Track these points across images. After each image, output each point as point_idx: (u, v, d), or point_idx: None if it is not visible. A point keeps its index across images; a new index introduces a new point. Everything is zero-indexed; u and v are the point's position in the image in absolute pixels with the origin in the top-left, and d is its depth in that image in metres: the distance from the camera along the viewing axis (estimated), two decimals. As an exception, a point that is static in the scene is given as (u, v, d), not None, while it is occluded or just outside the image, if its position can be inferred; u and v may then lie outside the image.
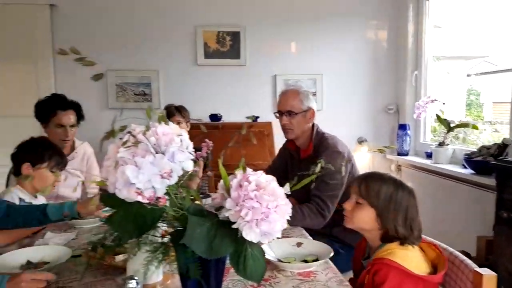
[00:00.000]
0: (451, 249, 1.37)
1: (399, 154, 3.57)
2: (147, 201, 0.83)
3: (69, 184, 2.45)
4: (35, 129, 2.60)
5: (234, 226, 0.89)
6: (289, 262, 1.44)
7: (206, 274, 0.96)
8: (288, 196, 0.98)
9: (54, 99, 2.54)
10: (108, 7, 3.51)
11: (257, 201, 0.88)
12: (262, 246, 0.98)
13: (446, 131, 2.98)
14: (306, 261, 1.46)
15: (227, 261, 0.95)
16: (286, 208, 0.93)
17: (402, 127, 3.59)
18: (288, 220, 0.94)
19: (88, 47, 2.98)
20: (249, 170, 0.94)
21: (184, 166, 0.89)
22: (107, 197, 0.90)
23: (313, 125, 2.13)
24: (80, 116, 2.56)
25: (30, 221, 1.62)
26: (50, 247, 1.58)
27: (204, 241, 0.88)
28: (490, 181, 2.30)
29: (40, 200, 2.03)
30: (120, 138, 0.88)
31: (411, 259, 1.28)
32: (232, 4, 3.62)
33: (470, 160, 2.56)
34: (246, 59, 3.65)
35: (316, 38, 3.71)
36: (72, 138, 2.56)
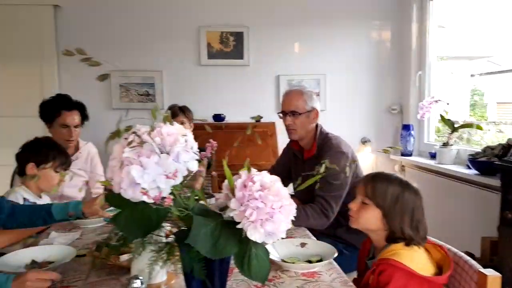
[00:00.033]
0: (455, 250, 1.37)
1: (402, 155, 3.56)
2: (153, 201, 0.83)
3: (73, 184, 2.46)
4: (39, 129, 2.61)
5: (238, 226, 0.89)
6: (293, 263, 1.44)
7: (210, 274, 0.96)
8: (291, 196, 0.98)
9: (59, 99, 2.55)
10: (112, 7, 3.52)
11: (262, 201, 0.88)
12: (266, 246, 0.98)
13: (450, 132, 2.97)
14: (310, 262, 1.46)
15: (231, 261, 0.95)
16: (290, 209, 0.93)
17: (406, 127, 3.58)
18: (291, 221, 0.94)
19: (92, 47, 2.97)
20: (253, 170, 0.94)
21: (189, 166, 0.89)
22: (112, 197, 0.90)
23: (316, 125, 2.12)
24: (84, 117, 2.57)
25: (35, 220, 1.63)
26: (55, 247, 1.58)
27: (208, 241, 0.88)
28: (495, 181, 2.30)
29: (45, 200, 2.04)
30: (125, 138, 0.88)
31: (417, 260, 1.28)
32: (236, 4, 3.62)
33: (474, 160, 2.55)
34: (250, 60, 3.65)
35: (320, 38, 3.70)
36: (77, 139, 2.57)
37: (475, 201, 2.61)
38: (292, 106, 2.06)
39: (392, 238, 1.33)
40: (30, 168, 1.96)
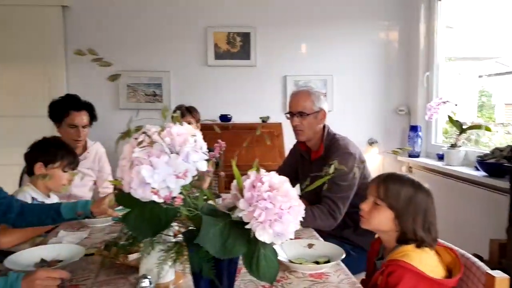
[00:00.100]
0: (462, 251, 1.36)
1: (410, 156, 3.55)
2: (163, 201, 0.84)
3: (81, 184, 2.48)
4: (47, 129, 2.63)
5: (247, 226, 0.89)
6: (301, 263, 1.44)
7: (219, 274, 0.96)
8: (299, 197, 0.98)
9: (67, 99, 2.57)
10: (120, 8, 3.54)
11: (271, 202, 0.88)
12: (274, 247, 0.98)
13: (458, 133, 2.95)
14: (317, 263, 1.46)
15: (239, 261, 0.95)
16: (299, 209, 0.93)
17: (414, 128, 3.56)
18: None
19: (100, 48, 3.00)
20: (262, 171, 0.94)
21: (198, 166, 0.89)
22: (122, 197, 0.90)
23: (324, 126, 2.12)
24: (93, 117, 2.59)
25: (44, 219, 1.64)
26: (64, 246, 1.59)
27: (217, 241, 0.89)
28: (504, 183, 2.28)
29: (53, 199, 2.05)
30: (135, 138, 0.89)
31: (427, 262, 1.27)
32: (243, 5, 3.63)
33: (483, 162, 2.54)
34: (256, 60, 3.65)
35: (327, 39, 3.70)
36: (85, 139, 2.59)
37: (483, 203, 2.60)
38: (300, 106, 2.06)
39: (403, 239, 1.32)
40: (38, 167, 1.98)
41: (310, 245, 1.58)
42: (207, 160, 0.94)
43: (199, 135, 0.94)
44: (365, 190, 1.45)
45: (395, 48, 3.76)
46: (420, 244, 1.30)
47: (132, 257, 1.39)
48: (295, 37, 3.69)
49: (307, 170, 2.12)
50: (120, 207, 1.59)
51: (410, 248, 1.30)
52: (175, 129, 0.89)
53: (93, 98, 2.72)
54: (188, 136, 0.90)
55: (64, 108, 2.50)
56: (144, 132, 0.88)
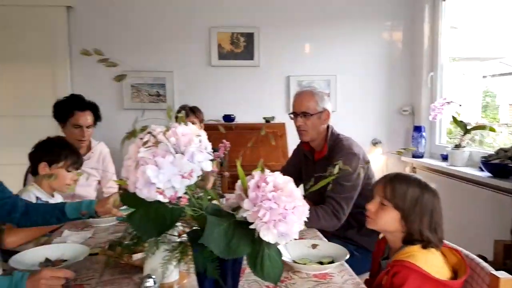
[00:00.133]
0: (466, 252, 1.35)
1: (414, 156, 3.54)
2: (168, 201, 0.84)
3: (85, 184, 2.49)
4: (52, 129, 2.64)
5: (251, 226, 0.89)
6: (305, 264, 1.44)
7: (223, 274, 0.96)
8: (303, 197, 0.98)
9: (72, 99, 2.58)
10: (124, 8, 3.55)
11: (275, 202, 0.88)
12: (278, 247, 0.98)
13: (462, 133, 2.94)
14: (321, 263, 1.46)
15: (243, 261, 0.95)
16: (303, 209, 0.93)
17: (417, 129, 3.55)
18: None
19: (104, 48, 3.01)
20: (266, 171, 0.95)
21: (203, 166, 0.89)
22: (127, 196, 0.91)
23: (328, 126, 2.12)
24: (97, 117, 2.60)
25: (49, 219, 1.65)
26: (68, 245, 1.60)
27: (222, 241, 0.89)
28: (508, 184, 2.27)
29: (57, 199, 2.06)
30: (141, 138, 0.89)
31: (432, 263, 1.26)
32: (246, 5, 3.63)
33: (487, 163, 2.53)
34: (260, 60, 3.65)
35: (330, 39, 3.70)
36: (89, 139, 2.60)
37: (487, 204, 2.59)
38: (303, 107, 2.06)
39: (409, 240, 1.32)
40: (42, 167, 1.98)
41: (314, 246, 1.58)
42: (212, 160, 0.94)
43: (204, 135, 0.94)
44: (369, 191, 1.45)
45: (399, 48, 3.75)
46: (426, 244, 1.29)
47: (137, 256, 1.39)
48: (298, 37, 3.68)
49: (310, 171, 2.12)
50: (124, 207, 1.59)
51: (416, 248, 1.30)
52: (180, 129, 0.89)
53: (97, 98, 2.73)
54: (193, 136, 0.90)
55: (68, 108, 2.50)
56: (149, 132, 0.88)
